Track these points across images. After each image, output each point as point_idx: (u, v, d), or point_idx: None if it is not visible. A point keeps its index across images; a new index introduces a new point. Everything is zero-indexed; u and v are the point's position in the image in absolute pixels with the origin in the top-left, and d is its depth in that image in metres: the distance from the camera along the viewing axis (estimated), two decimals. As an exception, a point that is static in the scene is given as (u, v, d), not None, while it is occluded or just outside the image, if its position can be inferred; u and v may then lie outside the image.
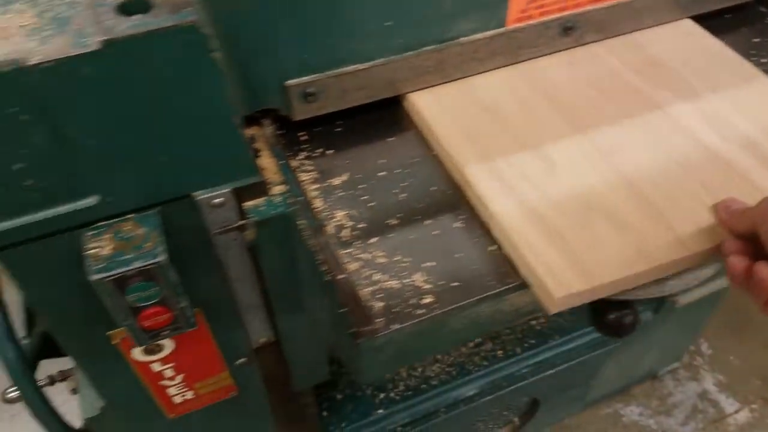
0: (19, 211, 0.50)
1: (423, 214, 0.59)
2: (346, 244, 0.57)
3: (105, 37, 0.42)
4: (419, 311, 0.51)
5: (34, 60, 0.42)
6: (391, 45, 0.63)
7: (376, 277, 0.54)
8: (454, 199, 0.61)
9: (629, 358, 1.58)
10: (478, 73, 0.70)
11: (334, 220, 0.59)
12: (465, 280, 0.54)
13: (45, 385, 1.04)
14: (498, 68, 0.71)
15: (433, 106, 0.67)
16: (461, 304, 0.52)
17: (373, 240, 0.57)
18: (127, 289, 0.53)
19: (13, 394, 1.04)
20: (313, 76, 0.61)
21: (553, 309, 0.51)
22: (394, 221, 0.59)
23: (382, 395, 1.19)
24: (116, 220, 0.54)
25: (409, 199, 0.61)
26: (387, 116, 0.70)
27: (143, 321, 0.56)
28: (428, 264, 0.55)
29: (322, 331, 0.77)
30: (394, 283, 0.53)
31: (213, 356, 0.77)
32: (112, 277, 0.51)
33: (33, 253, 0.53)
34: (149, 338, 0.58)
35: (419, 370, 1.22)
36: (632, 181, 0.60)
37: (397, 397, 1.18)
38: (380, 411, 1.16)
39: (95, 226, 0.53)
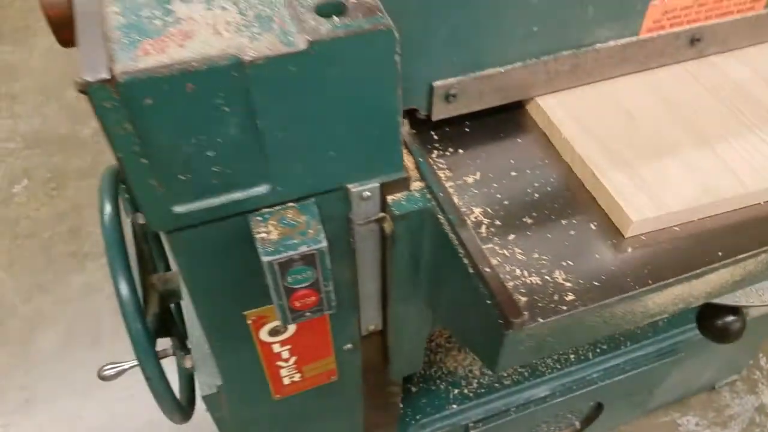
0: (200, 196, 0.54)
1: (557, 214, 0.62)
2: (485, 239, 0.60)
3: (311, 38, 0.46)
4: (563, 307, 0.54)
5: (248, 56, 0.45)
6: (532, 49, 0.65)
7: (518, 272, 0.57)
8: (587, 201, 0.63)
9: (693, 369, 1.57)
10: (605, 79, 0.73)
11: (472, 216, 0.62)
12: (605, 280, 0.56)
13: (138, 364, 1.09)
14: (624, 75, 0.73)
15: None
16: (605, 302, 0.54)
17: (511, 237, 0.60)
18: (288, 271, 0.57)
19: (108, 371, 1.10)
20: (457, 77, 0.64)
21: (629, 232, 0.60)
22: (529, 220, 0.61)
23: (456, 391, 1.21)
24: (278, 207, 0.58)
25: (543, 200, 0.63)
26: (510, 118, 0.73)
27: (294, 301, 0.60)
28: (567, 263, 0.58)
29: (429, 322, 0.81)
30: (535, 280, 0.56)
31: (325, 341, 0.81)
32: (280, 260, 0.55)
33: (201, 235, 0.58)
34: (294, 318, 0.62)
35: (492, 368, 1.24)
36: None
37: (471, 394, 1.21)
38: (454, 406, 1.19)
39: (261, 212, 0.57)
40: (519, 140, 0.70)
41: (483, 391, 1.21)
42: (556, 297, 0.54)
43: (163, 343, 1.04)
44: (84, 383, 1.77)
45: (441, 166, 0.67)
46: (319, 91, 0.49)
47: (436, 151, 0.69)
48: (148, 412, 1.72)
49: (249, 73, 0.46)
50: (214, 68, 0.45)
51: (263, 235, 0.56)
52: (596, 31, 0.67)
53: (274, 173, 0.55)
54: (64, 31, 0.60)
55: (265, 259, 0.55)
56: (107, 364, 1.11)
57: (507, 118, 0.72)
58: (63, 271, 2.07)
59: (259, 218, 0.57)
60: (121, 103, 0.44)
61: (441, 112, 0.66)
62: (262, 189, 0.56)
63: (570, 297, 0.54)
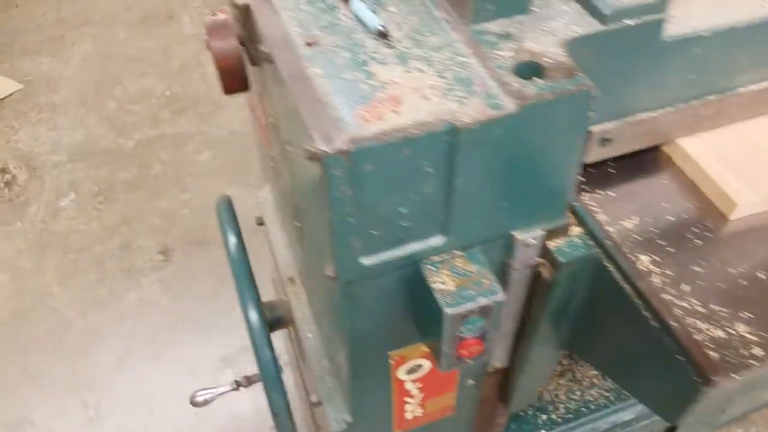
0: (385, 248, 0.54)
1: (724, 262, 0.61)
2: (660, 289, 0.59)
3: (521, 101, 0.46)
4: (754, 363, 0.53)
5: (462, 121, 0.45)
6: (683, 95, 0.65)
7: (700, 325, 0.56)
8: (750, 246, 0.63)
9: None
10: (740, 121, 0.72)
11: (639, 263, 0.61)
12: (787, 331, 0.56)
13: (231, 390, 1.10)
14: (759, 116, 0.73)
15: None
16: (795, 356, 0.53)
17: (685, 287, 0.59)
18: (464, 321, 0.56)
19: (201, 397, 1.10)
20: (613, 123, 0.64)
21: (734, 215, 0.65)
22: (698, 269, 0.61)
23: (544, 416, 1.20)
24: (446, 256, 0.58)
25: (708, 246, 0.63)
26: (650, 159, 0.72)
27: (461, 350, 0.60)
28: (745, 314, 0.57)
29: (556, 361, 0.80)
30: (719, 333, 0.55)
31: (452, 377, 0.80)
32: (462, 312, 0.55)
33: (373, 284, 0.57)
34: (455, 365, 0.62)
35: (578, 393, 1.24)
36: None
37: (559, 419, 1.20)
38: (542, 431, 1.19)
39: (431, 260, 0.57)
40: (664, 182, 0.70)
41: (570, 416, 1.20)
42: (743, 351, 0.54)
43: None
44: (147, 401, 1.77)
45: (594, 208, 0.66)
46: (516, 149, 0.49)
47: (585, 194, 0.68)
48: (212, 430, 1.73)
49: (460, 137, 0.46)
50: (431, 134, 0.45)
51: (441, 286, 0.56)
52: (741, 76, 0.67)
53: (452, 225, 0.54)
54: (233, 80, 0.60)
55: (448, 311, 0.54)
56: (199, 390, 1.11)
57: (646, 159, 0.72)
58: (117, 287, 2.08)
59: (431, 267, 0.57)
60: (348, 169, 0.44)
61: (594, 155, 0.66)
62: (437, 240, 0.56)
63: (758, 351, 0.54)
